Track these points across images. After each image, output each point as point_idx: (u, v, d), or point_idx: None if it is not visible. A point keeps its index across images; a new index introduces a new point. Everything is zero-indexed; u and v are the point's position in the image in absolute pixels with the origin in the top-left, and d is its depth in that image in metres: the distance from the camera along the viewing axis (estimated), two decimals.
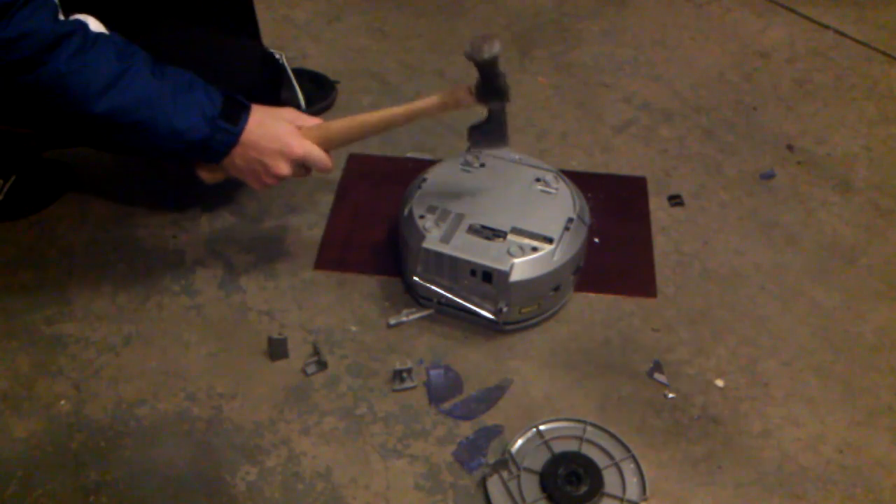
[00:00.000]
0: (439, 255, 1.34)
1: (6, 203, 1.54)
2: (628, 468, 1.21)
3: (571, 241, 1.36)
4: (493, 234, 1.36)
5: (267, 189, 1.35)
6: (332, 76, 1.88)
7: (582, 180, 1.66)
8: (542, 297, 1.36)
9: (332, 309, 1.43)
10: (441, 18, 2.10)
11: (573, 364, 1.36)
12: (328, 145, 1.32)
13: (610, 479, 1.19)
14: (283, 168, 1.28)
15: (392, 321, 1.40)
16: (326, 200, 1.62)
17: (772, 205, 1.63)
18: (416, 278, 1.38)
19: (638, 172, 1.70)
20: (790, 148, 1.76)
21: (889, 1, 2.16)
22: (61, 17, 1.11)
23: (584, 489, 1.17)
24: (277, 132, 1.26)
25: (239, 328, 1.40)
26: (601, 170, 1.71)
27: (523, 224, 1.37)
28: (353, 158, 1.71)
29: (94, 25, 1.15)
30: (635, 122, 1.82)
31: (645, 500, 1.18)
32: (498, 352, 1.37)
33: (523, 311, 1.36)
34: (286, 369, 1.34)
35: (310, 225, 1.57)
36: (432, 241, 1.34)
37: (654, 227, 1.58)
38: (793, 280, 1.49)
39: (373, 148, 1.73)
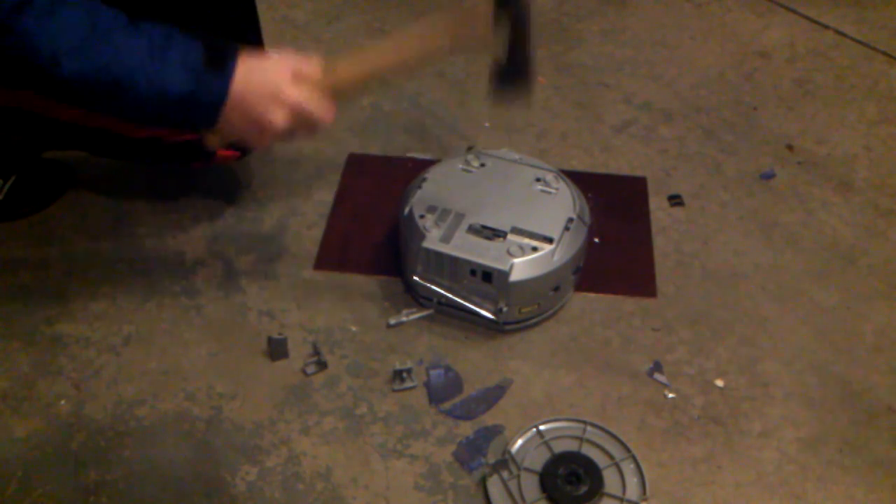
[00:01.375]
0: (439, 255, 1.34)
1: (6, 203, 1.54)
2: (628, 468, 1.21)
3: (571, 240, 1.36)
4: (493, 233, 1.36)
5: (269, 146, 1.22)
6: None
7: (582, 180, 1.66)
8: (542, 297, 1.36)
9: (332, 309, 1.43)
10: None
11: (573, 364, 1.36)
12: (334, 94, 1.17)
13: (610, 479, 1.19)
14: (279, 116, 1.13)
15: (392, 321, 1.40)
16: (326, 200, 1.62)
17: (772, 205, 1.63)
18: (415, 278, 1.38)
19: (638, 172, 1.70)
20: (790, 148, 1.76)
21: (889, 1, 2.16)
22: None
23: (584, 489, 1.17)
24: (268, 77, 1.12)
25: (239, 328, 1.40)
26: (601, 170, 1.71)
27: (523, 224, 1.37)
28: (353, 158, 1.71)
29: None
30: (635, 122, 1.82)
31: (645, 500, 1.18)
32: (498, 352, 1.37)
33: (523, 310, 1.36)
34: (286, 369, 1.34)
35: (310, 225, 1.57)
36: (432, 241, 1.34)
37: (654, 227, 1.58)
38: (793, 280, 1.49)
39: (373, 148, 1.73)
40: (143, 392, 1.31)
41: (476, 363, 1.35)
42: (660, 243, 1.55)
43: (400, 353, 1.36)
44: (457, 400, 1.30)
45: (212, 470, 1.22)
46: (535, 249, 1.33)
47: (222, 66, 1.10)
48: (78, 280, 1.46)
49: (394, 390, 1.31)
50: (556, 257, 1.33)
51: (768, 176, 1.69)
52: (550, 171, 1.47)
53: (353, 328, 1.40)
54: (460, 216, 1.38)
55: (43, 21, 1.03)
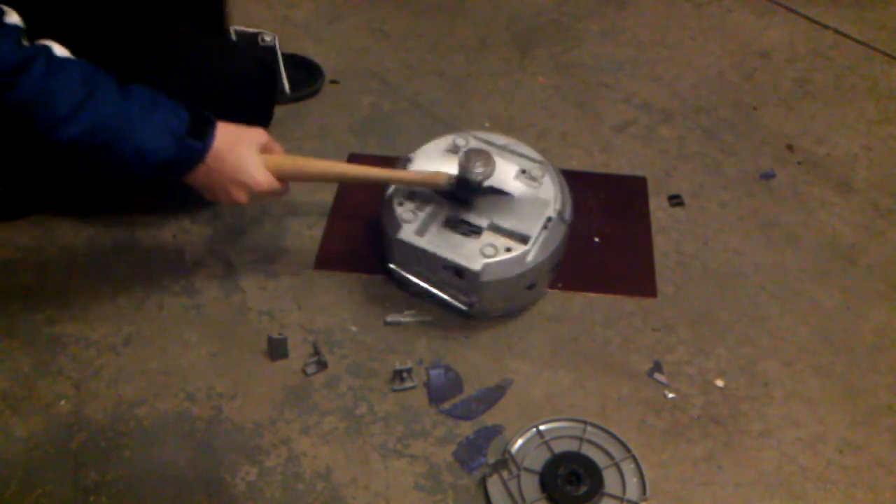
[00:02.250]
0: (413, 248, 1.33)
1: (5, 203, 1.54)
2: (628, 468, 1.21)
3: (548, 240, 1.34)
4: (469, 229, 1.34)
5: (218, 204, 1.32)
6: (332, 76, 1.89)
7: (582, 180, 1.66)
8: (515, 294, 1.36)
9: (332, 309, 1.43)
10: (441, 18, 2.09)
11: (573, 364, 1.36)
12: (286, 177, 1.31)
13: (610, 479, 1.19)
14: (243, 197, 1.26)
15: (389, 318, 1.40)
16: (326, 200, 1.62)
17: (772, 205, 1.63)
18: (392, 266, 1.38)
19: (638, 172, 1.70)
20: (790, 148, 1.76)
21: (889, 1, 2.16)
22: (25, 42, 1.09)
23: (584, 489, 1.17)
24: (246, 163, 1.24)
25: (239, 328, 1.40)
26: (601, 170, 1.71)
27: (501, 220, 1.35)
28: (353, 158, 1.71)
29: (59, 50, 1.13)
30: (635, 122, 1.82)
31: (645, 500, 1.18)
32: (498, 352, 1.37)
33: (496, 305, 1.38)
34: (286, 369, 1.34)
35: (310, 225, 1.57)
36: (408, 233, 1.33)
37: (654, 227, 1.58)
38: (793, 280, 1.49)
39: (372, 148, 1.73)
40: (143, 392, 1.31)
41: (476, 363, 1.35)
42: (660, 243, 1.55)
43: (400, 353, 1.36)
44: (457, 400, 1.30)
45: (212, 470, 1.22)
46: (509, 250, 1.31)
47: (203, 136, 1.19)
48: (78, 280, 1.46)
49: (394, 390, 1.31)
50: (530, 258, 1.32)
51: (768, 176, 1.69)
52: (537, 161, 1.44)
53: (353, 328, 1.40)
54: (439, 206, 1.37)
55: (41, 85, 1.07)
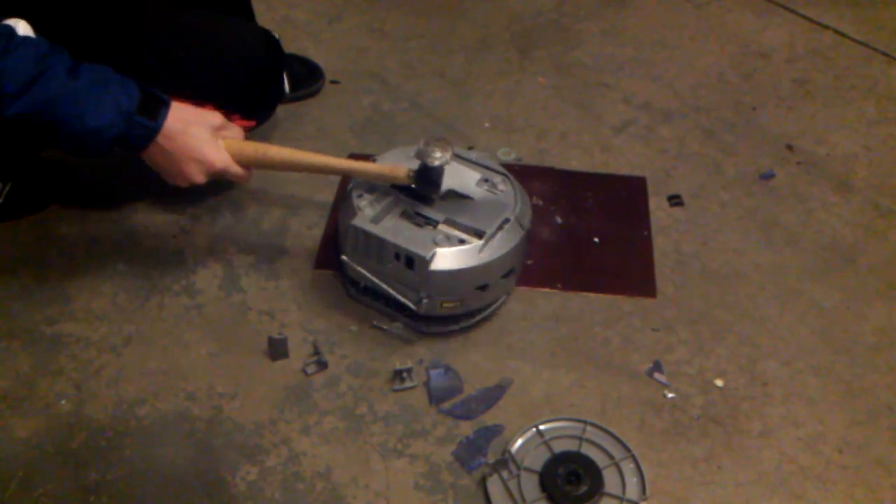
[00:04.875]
0: (367, 235, 1.31)
1: (6, 203, 1.54)
2: (628, 468, 1.21)
3: (504, 241, 1.32)
4: (424, 221, 1.33)
5: (178, 187, 1.33)
6: (331, 76, 1.89)
7: (582, 180, 1.67)
8: (464, 293, 1.33)
9: (332, 309, 1.43)
10: (441, 18, 2.10)
11: (573, 364, 1.36)
12: (247, 162, 1.32)
13: (610, 479, 1.19)
14: (199, 177, 1.28)
15: (375, 322, 1.40)
16: (326, 200, 1.62)
17: (771, 205, 1.63)
18: (344, 257, 1.37)
19: (637, 172, 1.70)
20: (790, 148, 1.76)
21: (888, 1, 2.16)
22: None
23: (583, 489, 1.17)
24: (199, 142, 1.25)
25: (239, 328, 1.40)
26: (601, 170, 1.71)
27: (458, 216, 1.33)
28: (353, 158, 1.71)
29: (23, 29, 1.15)
30: (635, 122, 1.82)
31: (645, 499, 1.18)
32: (498, 351, 1.37)
33: (444, 305, 1.34)
34: (286, 369, 1.34)
35: (310, 225, 1.57)
36: (362, 220, 1.31)
37: (654, 227, 1.58)
38: (792, 280, 1.49)
39: (372, 148, 1.73)
40: (143, 392, 1.31)
41: (476, 363, 1.35)
42: (659, 243, 1.55)
43: (400, 353, 1.36)
44: (457, 400, 1.31)
45: (212, 470, 1.22)
46: (462, 242, 1.29)
47: (155, 114, 1.21)
48: (78, 280, 1.47)
49: (394, 390, 1.31)
50: (483, 253, 1.29)
51: (768, 176, 1.69)
52: (502, 174, 1.43)
53: (353, 328, 1.40)
54: (397, 200, 1.36)
55: None
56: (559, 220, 1.59)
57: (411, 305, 1.33)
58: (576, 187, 1.66)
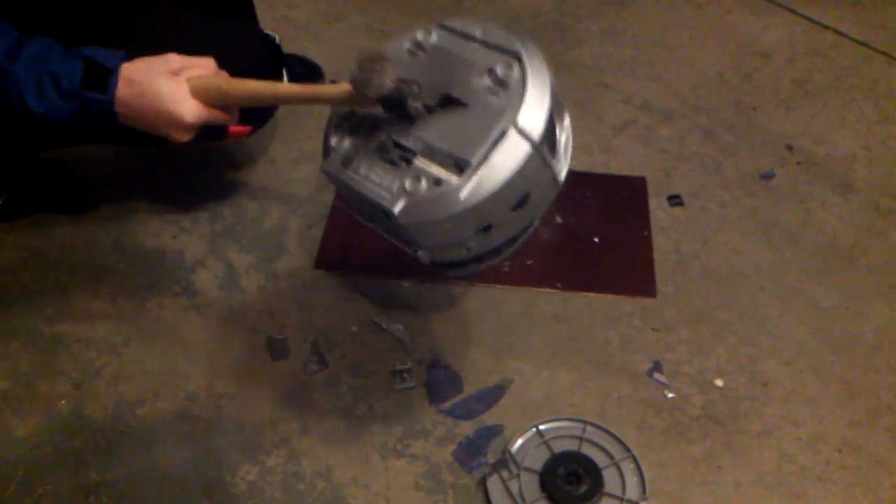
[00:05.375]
0: (339, 183, 1.06)
1: (5, 203, 1.54)
2: (628, 468, 1.21)
3: (497, 168, 0.95)
4: (400, 154, 1.02)
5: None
6: (331, 76, 1.89)
7: (582, 180, 1.67)
8: (462, 240, 1.03)
9: (332, 309, 1.43)
10: (441, 18, 2.09)
11: (573, 364, 1.36)
12: (216, 101, 1.16)
13: (610, 479, 1.19)
14: (181, 136, 1.15)
15: (375, 319, 1.40)
16: (326, 200, 1.62)
17: (771, 205, 1.63)
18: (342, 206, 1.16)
19: (637, 172, 1.70)
20: (790, 148, 1.76)
21: (889, 1, 2.16)
22: None
23: (583, 489, 1.17)
24: (161, 99, 1.11)
25: (239, 328, 1.40)
26: (601, 170, 1.71)
27: (442, 140, 0.99)
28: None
29: None
30: (635, 122, 1.82)
31: (645, 499, 1.18)
32: (498, 352, 1.37)
33: (447, 252, 1.06)
34: (286, 369, 1.34)
35: (310, 225, 1.57)
36: (332, 163, 1.05)
37: (654, 227, 1.58)
38: (792, 280, 1.49)
39: None
40: (143, 392, 1.31)
41: (476, 363, 1.35)
42: (659, 243, 1.55)
43: (400, 353, 1.36)
44: (457, 400, 1.30)
45: (212, 470, 1.22)
46: (438, 183, 0.97)
47: (103, 87, 1.10)
48: (78, 280, 1.47)
49: (394, 390, 1.31)
50: (464, 193, 0.95)
51: (768, 176, 1.69)
52: (511, 53, 1.03)
53: (353, 328, 1.40)
54: (377, 124, 1.05)
55: None
56: (559, 219, 1.59)
57: (412, 255, 1.07)
58: (576, 187, 1.65)
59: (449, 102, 1.03)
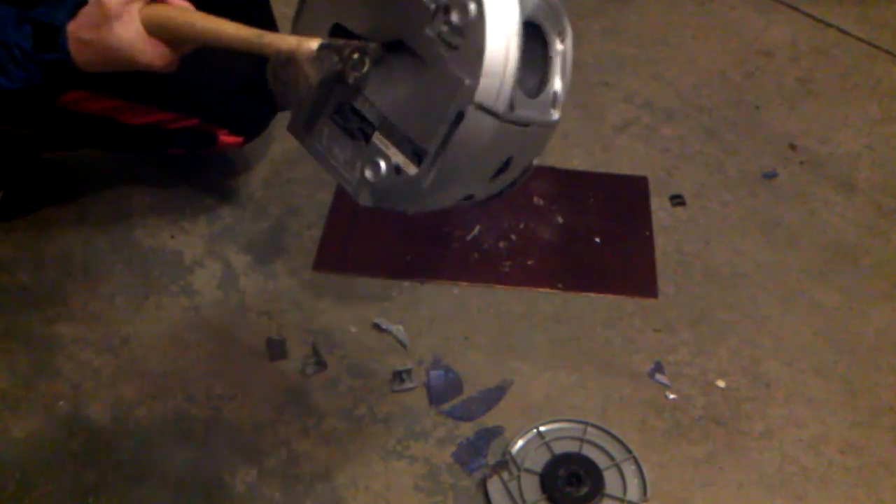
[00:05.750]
0: (303, 146, 0.96)
1: (3, 204, 1.53)
2: (629, 469, 1.20)
3: (460, 150, 0.82)
4: (358, 125, 0.90)
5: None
6: None
7: (583, 180, 1.66)
8: (445, 208, 0.95)
9: (332, 309, 1.43)
10: None
11: (574, 364, 1.35)
12: (173, 38, 1.05)
13: (611, 480, 1.19)
14: (163, 70, 1.06)
15: (375, 320, 1.40)
16: (326, 200, 1.61)
17: (774, 204, 1.62)
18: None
19: (639, 172, 1.69)
20: (792, 147, 1.75)
21: (892, 0, 2.15)
22: None
23: (584, 490, 1.17)
24: (119, 54, 1.02)
25: (238, 328, 1.40)
26: (602, 169, 1.70)
27: (397, 113, 0.86)
28: None
29: None
30: (637, 121, 1.82)
31: (646, 500, 1.17)
32: (498, 352, 1.37)
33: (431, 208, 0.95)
34: (285, 370, 1.34)
35: (309, 225, 1.57)
36: (296, 126, 0.95)
37: (656, 227, 1.57)
38: (794, 280, 1.48)
39: None
40: (141, 392, 1.30)
41: (476, 364, 1.35)
42: (661, 243, 1.54)
43: (400, 354, 1.36)
44: (457, 401, 1.30)
45: (211, 471, 1.21)
46: (398, 171, 0.86)
47: (54, 45, 1.04)
48: (77, 280, 1.46)
49: (394, 391, 1.31)
50: (427, 182, 0.84)
51: (770, 175, 1.68)
52: None
53: (353, 328, 1.40)
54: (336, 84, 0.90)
55: None
56: (560, 219, 1.58)
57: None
58: (577, 187, 1.65)
59: (402, 49, 0.86)
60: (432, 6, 0.82)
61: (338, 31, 0.92)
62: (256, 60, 1.48)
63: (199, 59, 1.27)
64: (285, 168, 1.68)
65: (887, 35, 2.03)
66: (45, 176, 1.60)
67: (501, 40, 0.80)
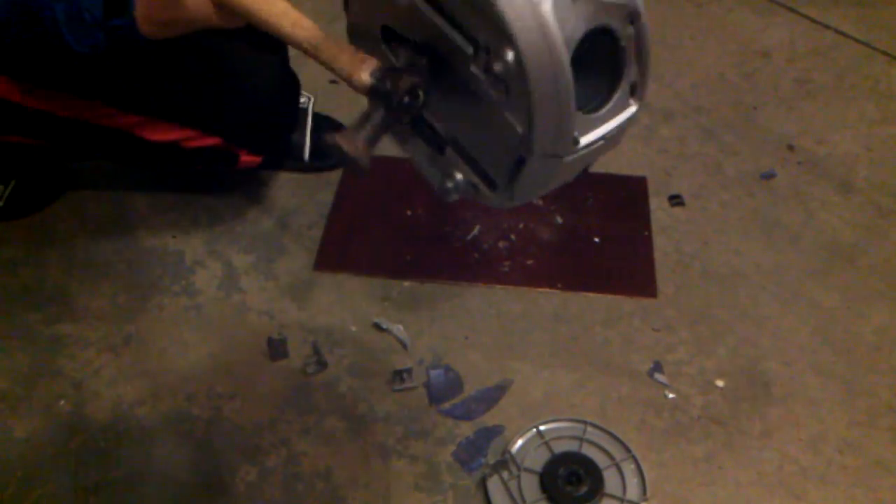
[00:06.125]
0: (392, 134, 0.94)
1: (6, 203, 1.54)
2: (628, 468, 1.20)
3: (529, 183, 0.82)
4: (432, 136, 0.89)
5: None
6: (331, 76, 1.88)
7: (582, 180, 1.66)
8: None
9: (332, 309, 1.43)
10: None
11: (573, 364, 1.35)
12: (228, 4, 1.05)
13: (610, 480, 1.19)
14: (223, 25, 1.06)
15: (375, 319, 1.40)
16: (326, 200, 1.61)
17: (772, 205, 1.63)
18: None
19: (638, 172, 1.69)
20: (791, 148, 1.76)
21: (890, 0, 2.16)
22: None
23: (584, 489, 1.17)
24: (177, 6, 1.04)
25: (239, 328, 1.40)
26: (601, 169, 1.70)
27: (464, 134, 0.85)
28: None
29: None
30: (635, 121, 1.82)
31: (645, 500, 1.18)
32: (498, 352, 1.37)
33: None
34: (286, 369, 1.34)
35: (310, 225, 1.57)
36: (349, 136, 0.90)
37: (655, 227, 1.57)
38: (793, 280, 1.49)
39: (374, 149, 1.72)
40: (142, 392, 1.30)
41: (476, 363, 1.35)
42: (660, 243, 1.55)
43: (400, 353, 1.36)
44: (457, 400, 1.30)
45: (212, 470, 1.21)
46: (475, 187, 0.87)
47: (124, 11, 1.05)
48: (78, 280, 1.46)
49: (394, 390, 1.31)
50: (503, 201, 0.86)
51: (769, 176, 1.69)
52: (495, 25, 0.71)
53: (354, 328, 1.40)
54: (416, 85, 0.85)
55: None
56: (559, 220, 1.59)
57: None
58: (576, 187, 1.65)
59: (451, 80, 0.81)
60: (469, 50, 0.76)
61: (388, 33, 0.89)
62: (273, 79, 1.45)
63: (220, 76, 1.27)
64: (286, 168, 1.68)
65: (885, 36, 2.04)
66: (47, 176, 1.60)
67: (548, 85, 0.72)
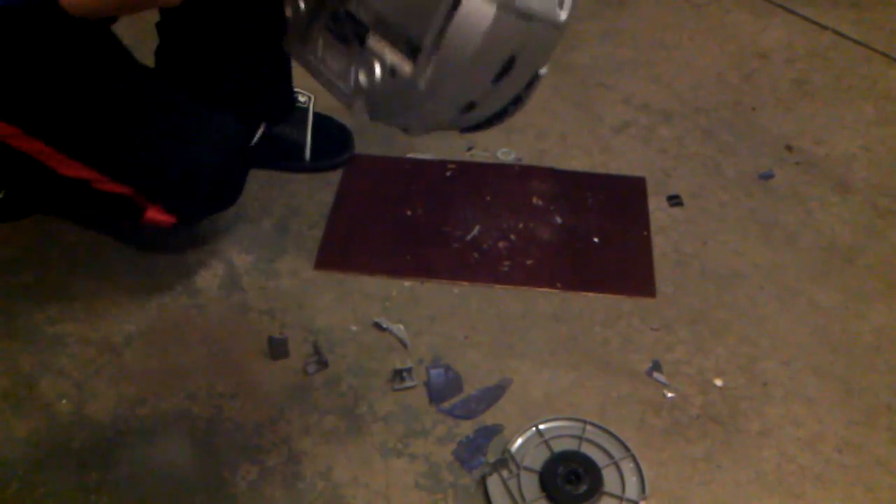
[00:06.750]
0: (299, 61, 0.94)
1: (6, 203, 1.54)
2: (627, 467, 1.21)
3: (457, 43, 0.75)
4: (353, 28, 0.86)
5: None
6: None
7: (581, 180, 1.67)
8: (447, 120, 0.88)
9: (332, 309, 1.43)
10: None
11: (573, 363, 1.36)
12: None
13: (609, 478, 1.19)
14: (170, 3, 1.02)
15: (375, 319, 1.40)
16: (326, 200, 1.62)
17: (771, 205, 1.63)
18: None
19: (637, 173, 1.70)
20: (789, 148, 1.76)
21: (888, 1, 2.16)
22: None
23: (583, 488, 1.17)
24: None
25: (239, 328, 1.40)
26: (600, 170, 1.71)
27: (394, 10, 0.81)
28: (353, 158, 1.71)
29: None
30: (634, 122, 1.83)
31: (644, 499, 1.18)
32: (498, 351, 1.37)
33: (434, 127, 0.92)
34: (286, 369, 1.34)
35: (310, 225, 1.58)
36: (293, 41, 0.92)
37: (654, 228, 1.58)
38: (792, 280, 1.49)
39: (373, 148, 1.73)
40: (143, 391, 1.31)
41: (476, 363, 1.36)
42: (659, 243, 1.55)
43: (400, 353, 1.36)
44: (457, 399, 1.31)
45: (212, 469, 1.22)
46: (392, 73, 0.81)
47: None
48: (79, 279, 1.47)
49: (394, 390, 1.32)
50: (422, 84, 0.79)
51: (767, 176, 1.69)
52: None
53: (354, 327, 1.40)
54: None
55: None
56: (559, 220, 1.59)
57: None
58: (575, 187, 1.66)
59: None
60: None
61: None
62: (228, 151, 1.33)
63: (146, 126, 1.23)
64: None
65: (882, 37, 2.05)
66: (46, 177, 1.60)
67: None
